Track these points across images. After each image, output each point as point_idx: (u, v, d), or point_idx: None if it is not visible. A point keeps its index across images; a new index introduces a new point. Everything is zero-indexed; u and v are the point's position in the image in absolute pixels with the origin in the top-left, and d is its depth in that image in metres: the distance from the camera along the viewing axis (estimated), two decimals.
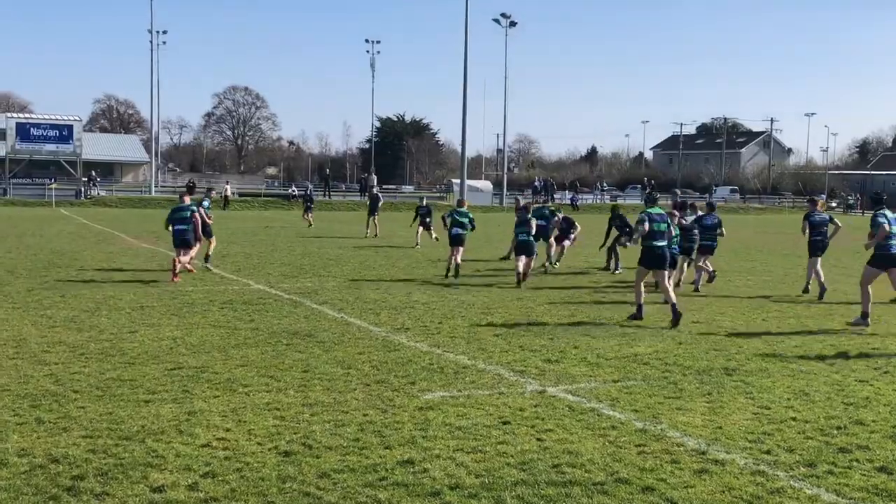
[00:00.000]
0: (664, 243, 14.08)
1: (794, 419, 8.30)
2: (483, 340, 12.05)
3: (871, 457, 7.20)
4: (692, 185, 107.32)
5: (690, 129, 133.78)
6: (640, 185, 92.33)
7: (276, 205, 63.97)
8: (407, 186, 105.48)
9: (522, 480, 6.42)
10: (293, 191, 70.50)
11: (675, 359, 11.09)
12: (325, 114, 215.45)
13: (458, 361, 10.59)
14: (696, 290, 18.19)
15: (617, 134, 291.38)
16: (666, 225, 14.21)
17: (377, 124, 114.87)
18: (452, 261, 20.06)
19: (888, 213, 14.18)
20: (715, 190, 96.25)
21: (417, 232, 30.00)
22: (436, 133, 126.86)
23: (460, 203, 22.89)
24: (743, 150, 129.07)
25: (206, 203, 21.51)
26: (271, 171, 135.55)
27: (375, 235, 33.76)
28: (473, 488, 6.25)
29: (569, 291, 17.85)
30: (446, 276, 19.87)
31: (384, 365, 10.29)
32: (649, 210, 14.26)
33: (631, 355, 11.27)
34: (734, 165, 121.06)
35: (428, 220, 30.44)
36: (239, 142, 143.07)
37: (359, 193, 74.63)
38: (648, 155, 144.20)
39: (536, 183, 77.94)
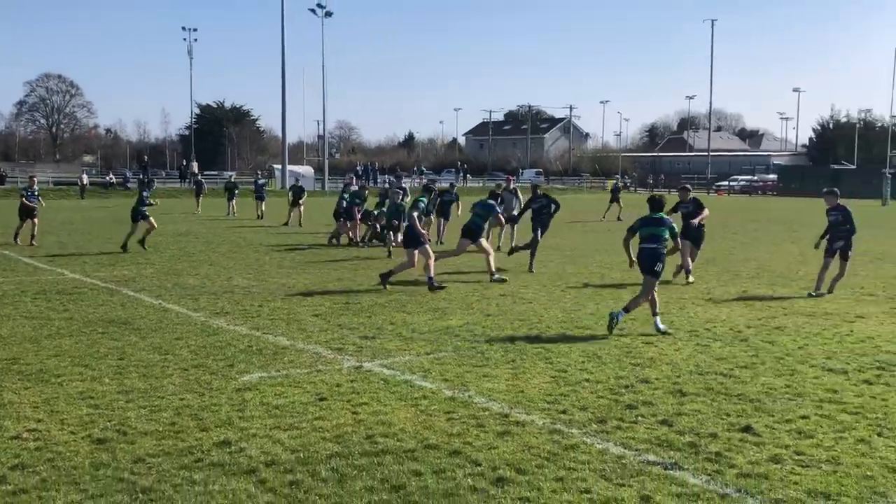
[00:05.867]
0: None
1: (587, 380, 8.70)
2: (302, 321, 11.93)
3: (655, 411, 7.64)
4: (503, 168, 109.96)
5: (499, 117, 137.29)
6: (454, 169, 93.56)
7: (94, 193, 60.74)
8: (229, 172, 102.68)
9: (337, 453, 6.42)
10: (110, 178, 67.38)
11: (484, 330, 11.36)
12: (142, 101, 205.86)
13: (277, 343, 10.44)
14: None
15: (432, 121, 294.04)
16: None
17: (197, 111, 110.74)
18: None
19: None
20: (522, 172, 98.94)
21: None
22: (256, 120, 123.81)
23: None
24: (546, 135, 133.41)
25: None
26: (88, 158, 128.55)
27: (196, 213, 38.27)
28: (289, 463, 6.19)
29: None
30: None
31: (202, 349, 9.99)
32: None
33: (443, 328, 11.45)
34: (539, 149, 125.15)
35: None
36: (54, 130, 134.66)
37: (179, 180, 71.95)
38: (461, 140, 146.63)
39: (359, 167, 78.04)
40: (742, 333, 11.32)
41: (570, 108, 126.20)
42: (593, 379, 8.75)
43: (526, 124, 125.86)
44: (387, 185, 34.79)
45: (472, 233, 16.61)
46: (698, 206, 16.65)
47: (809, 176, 79.91)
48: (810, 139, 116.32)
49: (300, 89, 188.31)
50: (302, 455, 6.36)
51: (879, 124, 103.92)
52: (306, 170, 75.56)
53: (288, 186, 36.62)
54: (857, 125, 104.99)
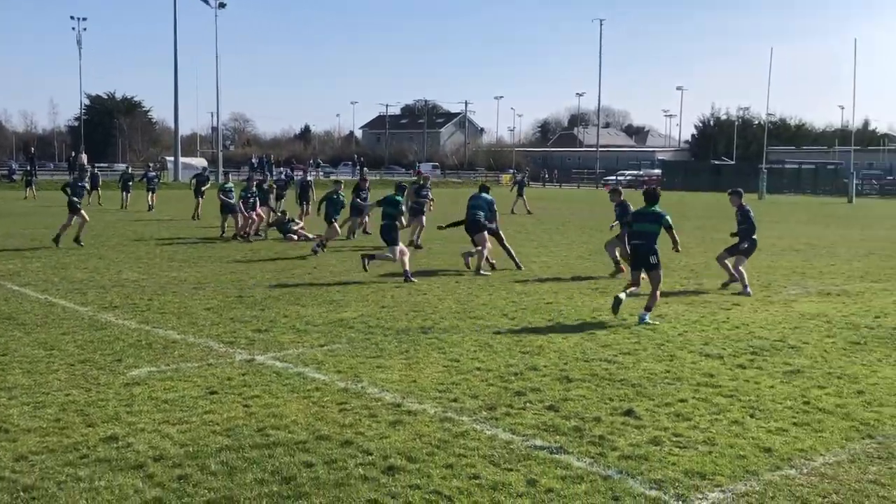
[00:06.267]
0: None
1: (478, 369, 8.79)
2: (194, 315, 11.66)
3: (542, 397, 7.78)
4: (399, 162, 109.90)
5: (395, 111, 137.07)
6: (350, 162, 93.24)
7: None
8: (120, 165, 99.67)
9: (227, 446, 6.31)
10: None
11: (378, 321, 11.34)
12: (29, 92, 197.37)
13: (167, 336, 10.18)
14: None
15: (329, 114, 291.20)
16: None
17: (87, 102, 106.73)
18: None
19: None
20: (419, 165, 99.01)
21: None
22: (148, 111, 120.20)
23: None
24: (442, 129, 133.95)
25: None
26: None
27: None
28: (178, 458, 6.05)
29: (282, 263, 17.71)
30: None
31: (90, 344, 9.66)
32: None
33: (337, 320, 11.38)
34: (435, 144, 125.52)
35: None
36: None
37: (67, 172, 69.24)
38: (358, 134, 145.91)
39: (254, 160, 76.63)
40: (625, 321, 11.63)
41: (466, 103, 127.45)
42: (484, 367, 8.85)
43: (422, 118, 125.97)
44: (297, 178, 33.77)
45: (475, 227, 16.88)
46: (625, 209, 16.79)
47: (692, 171, 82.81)
48: (692, 136, 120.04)
49: (194, 81, 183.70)
50: (191, 449, 6.23)
51: (756, 121, 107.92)
52: (200, 162, 73.76)
53: (192, 176, 35.29)
54: (736, 122, 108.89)
